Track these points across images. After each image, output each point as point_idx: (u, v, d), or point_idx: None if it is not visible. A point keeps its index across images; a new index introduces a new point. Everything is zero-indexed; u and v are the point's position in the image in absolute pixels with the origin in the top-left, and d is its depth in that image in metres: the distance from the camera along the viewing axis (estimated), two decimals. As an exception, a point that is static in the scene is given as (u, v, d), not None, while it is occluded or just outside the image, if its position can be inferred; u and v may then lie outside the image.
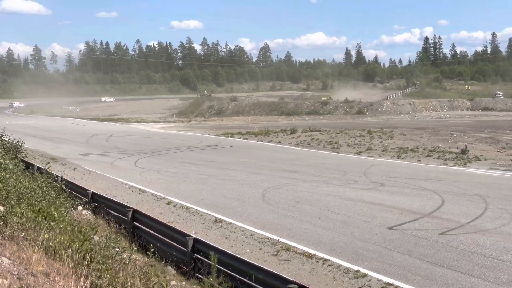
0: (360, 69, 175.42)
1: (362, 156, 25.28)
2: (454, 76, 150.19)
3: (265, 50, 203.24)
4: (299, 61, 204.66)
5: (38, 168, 16.39)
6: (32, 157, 23.10)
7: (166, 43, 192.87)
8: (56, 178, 14.08)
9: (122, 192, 17.32)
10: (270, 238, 11.59)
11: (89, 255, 6.49)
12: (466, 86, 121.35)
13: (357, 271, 9.38)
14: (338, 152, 27.25)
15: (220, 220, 13.35)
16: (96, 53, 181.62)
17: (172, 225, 11.60)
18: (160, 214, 14.02)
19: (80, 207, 12.68)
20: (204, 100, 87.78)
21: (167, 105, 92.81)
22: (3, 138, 18.16)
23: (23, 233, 6.86)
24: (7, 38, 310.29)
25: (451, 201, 14.51)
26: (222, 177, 19.86)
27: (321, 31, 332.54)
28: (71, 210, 11.14)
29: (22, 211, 7.53)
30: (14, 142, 18.37)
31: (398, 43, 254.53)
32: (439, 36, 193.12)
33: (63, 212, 9.05)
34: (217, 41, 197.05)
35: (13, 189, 8.43)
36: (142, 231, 11.35)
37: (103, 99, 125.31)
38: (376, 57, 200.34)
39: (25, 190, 9.03)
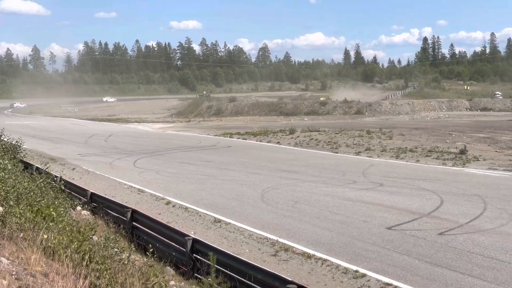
0: (359, 69, 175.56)
1: (361, 156, 25.29)
2: (453, 76, 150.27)
3: (264, 50, 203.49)
4: (298, 61, 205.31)
5: (37, 168, 16.37)
6: (31, 157, 23.09)
7: (165, 43, 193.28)
8: (55, 178, 14.04)
9: (121, 192, 17.32)
10: (269, 238, 11.59)
11: (88, 255, 6.49)
12: (465, 86, 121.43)
13: (356, 271, 9.38)
14: (337, 152, 27.26)
15: (219, 220, 13.35)
16: (95, 53, 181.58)
17: (171, 225, 11.60)
18: (159, 214, 14.01)
19: (79, 207, 12.67)
20: (203, 100, 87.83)
21: (166, 105, 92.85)
22: (2, 138, 18.15)
23: (22, 233, 6.86)
24: (6, 38, 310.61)
25: (450, 201, 14.52)
26: (221, 177, 19.86)
27: (320, 31, 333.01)
28: (70, 210, 11.13)
29: (21, 211, 7.53)
30: (13, 142, 18.36)
31: (397, 43, 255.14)
32: (438, 36, 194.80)
33: (62, 212, 9.05)
34: (216, 41, 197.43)
35: (12, 189, 8.42)
36: (141, 231, 11.35)
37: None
38: (375, 57, 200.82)
39: (24, 190, 9.02)
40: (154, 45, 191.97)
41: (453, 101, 74.77)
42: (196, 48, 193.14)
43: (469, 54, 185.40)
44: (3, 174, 9.49)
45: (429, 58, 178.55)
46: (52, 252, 6.52)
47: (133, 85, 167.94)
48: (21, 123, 55.21)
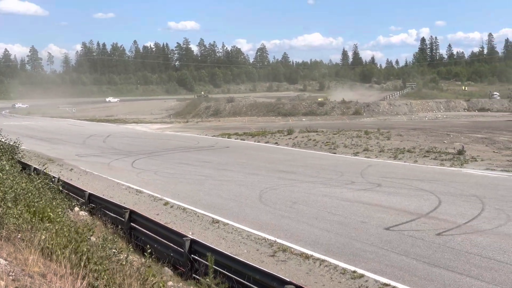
0: (357, 70, 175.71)
1: (359, 157, 25.31)
2: (450, 77, 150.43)
3: (262, 51, 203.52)
4: (296, 62, 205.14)
5: (35, 169, 16.36)
6: (29, 158, 23.07)
7: (163, 44, 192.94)
8: (53, 179, 14.01)
9: (119, 193, 17.30)
10: (267, 239, 11.59)
11: (86, 256, 6.49)
12: (463, 87, 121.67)
13: (354, 271, 9.39)
14: (335, 152, 27.27)
15: (217, 221, 13.34)
16: (93, 54, 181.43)
17: (169, 226, 11.59)
18: (157, 215, 14.00)
19: (77, 208, 12.66)
20: (201, 101, 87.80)
21: (164, 106, 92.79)
22: (0, 139, 18.11)
23: (19, 234, 6.86)
24: (4, 39, 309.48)
25: (448, 202, 14.53)
26: (219, 178, 19.86)
27: (318, 32, 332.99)
28: (68, 211, 11.12)
29: (19, 212, 7.52)
30: (11, 143, 18.33)
31: (395, 44, 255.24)
32: (436, 37, 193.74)
33: (60, 213, 9.05)
34: (214, 42, 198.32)
35: (10, 190, 8.41)
36: (139, 232, 11.34)
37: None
38: (373, 58, 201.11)
39: (21, 191, 9.02)
40: (152, 46, 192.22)
41: (451, 102, 74.85)
42: (194, 48, 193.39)
43: (467, 54, 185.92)
44: (1, 175, 9.48)
45: (427, 58, 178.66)
46: (50, 253, 6.52)
47: (131, 86, 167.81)
48: (19, 124, 55.15)
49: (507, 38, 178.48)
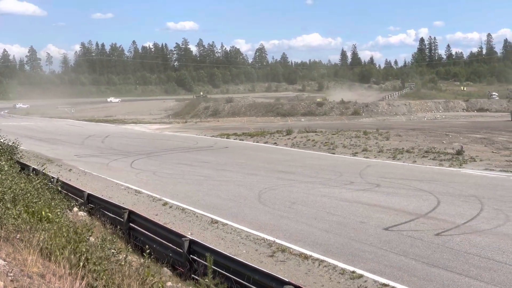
0: (356, 70, 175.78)
1: (357, 157, 25.32)
2: (449, 77, 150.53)
3: (260, 51, 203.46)
4: (294, 62, 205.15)
5: (34, 169, 16.34)
6: (28, 158, 23.04)
7: (162, 44, 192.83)
8: (52, 180, 14.00)
9: (118, 193, 17.29)
10: (266, 239, 11.58)
11: (84, 257, 6.48)
12: (462, 87, 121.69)
13: (353, 272, 9.39)
14: (334, 153, 27.29)
15: (216, 221, 13.34)
16: (91, 54, 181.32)
17: (168, 226, 11.59)
18: (156, 215, 14.00)
19: (76, 209, 12.64)
20: (200, 101, 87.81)
21: (163, 106, 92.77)
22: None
23: (18, 235, 6.85)
24: (2, 39, 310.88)
25: (447, 202, 14.54)
26: (218, 178, 19.86)
27: (317, 32, 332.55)
28: (67, 212, 11.10)
29: (18, 212, 7.51)
30: (10, 143, 18.31)
31: (394, 44, 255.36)
32: (435, 37, 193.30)
33: (58, 213, 9.04)
34: (213, 42, 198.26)
35: (9, 191, 8.40)
36: (138, 232, 11.33)
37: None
38: (371, 58, 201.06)
39: (20, 191, 9.00)
40: (151, 46, 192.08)
41: (450, 102, 74.93)
42: (193, 49, 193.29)
43: (465, 55, 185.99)
44: (0, 175, 9.47)
45: (426, 59, 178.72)
46: (49, 253, 6.52)
47: (130, 86, 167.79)
48: (18, 124, 55.11)
49: (506, 39, 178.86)
